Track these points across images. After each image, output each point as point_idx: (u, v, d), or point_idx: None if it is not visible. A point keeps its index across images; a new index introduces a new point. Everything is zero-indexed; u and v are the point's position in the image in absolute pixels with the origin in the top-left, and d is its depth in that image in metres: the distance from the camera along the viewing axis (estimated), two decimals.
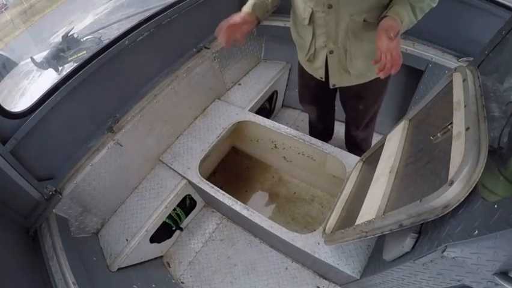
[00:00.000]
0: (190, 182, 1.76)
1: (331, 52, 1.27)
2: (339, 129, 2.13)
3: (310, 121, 2.06)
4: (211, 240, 1.93)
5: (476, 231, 0.59)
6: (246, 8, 1.22)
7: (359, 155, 1.59)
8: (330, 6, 1.12)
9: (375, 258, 1.24)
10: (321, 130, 2.06)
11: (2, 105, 1.15)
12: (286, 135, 1.84)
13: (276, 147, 2.05)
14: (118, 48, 1.45)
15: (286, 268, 1.73)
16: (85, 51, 6.60)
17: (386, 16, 1.02)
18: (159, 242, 1.79)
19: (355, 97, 1.52)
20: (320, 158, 1.82)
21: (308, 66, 1.44)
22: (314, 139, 1.78)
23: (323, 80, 1.41)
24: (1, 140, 1.16)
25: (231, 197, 1.60)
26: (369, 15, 1.12)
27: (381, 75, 0.98)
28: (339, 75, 1.35)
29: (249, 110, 2.05)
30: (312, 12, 1.17)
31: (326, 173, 1.87)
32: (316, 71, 1.40)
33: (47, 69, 6.81)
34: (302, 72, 1.54)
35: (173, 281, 1.77)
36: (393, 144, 1.17)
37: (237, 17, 1.18)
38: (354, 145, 1.93)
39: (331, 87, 1.41)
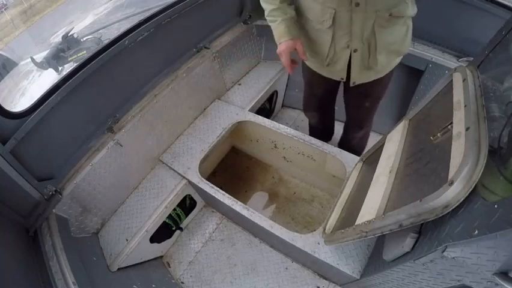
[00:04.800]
0: (190, 182, 1.76)
1: (355, 51, 1.24)
2: (339, 129, 2.13)
3: (311, 124, 2.06)
4: (211, 240, 1.93)
5: (476, 231, 0.59)
6: (284, 38, 1.24)
7: (356, 154, 1.61)
8: (357, 4, 1.08)
9: (375, 258, 1.24)
10: (322, 132, 2.07)
11: (2, 105, 1.15)
12: (286, 135, 1.84)
13: (276, 147, 2.05)
14: (118, 48, 1.44)
15: (286, 268, 1.73)
16: (85, 51, 6.61)
17: None
18: (159, 242, 1.79)
19: (362, 95, 1.51)
20: (320, 158, 1.82)
21: (328, 71, 1.40)
22: (314, 139, 1.78)
23: (344, 80, 1.38)
24: (1, 140, 1.16)
25: (231, 197, 1.60)
26: (396, 10, 1.11)
27: None
28: (359, 73, 1.33)
29: (249, 110, 2.05)
30: (335, 12, 1.14)
31: (326, 173, 1.87)
32: (338, 73, 1.37)
33: (47, 69, 6.83)
34: (310, 81, 1.52)
35: (173, 281, 1.77)
36: (393, 144, 1.17)
37: (287, 51, 1.25)
38: (350, 146, 1.92)
39: (351, 85, 1.38)
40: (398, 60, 1.35)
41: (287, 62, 1.27)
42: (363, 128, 1.77)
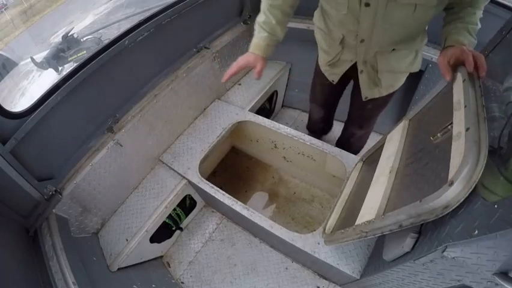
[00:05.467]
0: (190, 182, 1.76)
1: (361, 72, 1.30)
2: (339, 129, 2.13)
3: (312, 119, 2.07)
4: (211, 240, 1.93)
5: (476, 231, 0.59)
6: (259, 51, 1.21)
7: (352, 153, 1.64)
8: (362, 41, 1.14)
9: (375, 258, 1.24)
10: (321, 128, 2.10)
11: (2, 105, 1.15)
12: (286, 135, 1.84)
13: (276, 147, 2.05)
14: (118, 48, 1.44)
15: (286, 268, 1.73)
16: (85, 51, 6.62)
17: (449, 46, 0.98)
18: (159, 242, 1.79)
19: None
20: (320, 158, 1.82)
21: (326, 70, 1.46)
22: (314, 139, 1.78)
23: (334, 83, 1.47)
24: (1, 140, 1.16)
25: (231, 197, 1.60)
26: (399, 46, 1.15)
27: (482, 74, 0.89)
28: (369, 89, 1.38)
29: (249, 110, 2.05)
30: (343, 37, 1.20)
31: (326, 173, 1.87)
32: (331, 76, 1.45)
33: (47, 69, 6.83)
34: (319, 72, 1.55)
35: (173, 281, 1.77)
36: (393, 144, 1.17)
37: (250, 61, 1.20)
38: (348, 143, 1.94)
39: (363, 99, 1.44)
40: (406, 75, 1.37)
41: (234, 70, 1.20)
42: (362, 128, 1.78)
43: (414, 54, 1.24)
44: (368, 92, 1.41)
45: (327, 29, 1.27)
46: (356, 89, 1.48)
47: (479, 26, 1.01)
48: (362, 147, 2.01)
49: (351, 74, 1.36)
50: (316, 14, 1.34)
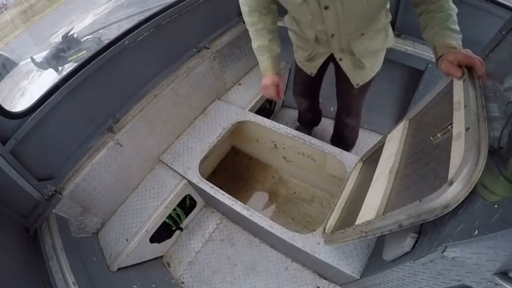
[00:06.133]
0: (190, 182, 1.76)
1: (341, 60, 1.39)
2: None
3: (300, 111, 2.17)
4: (211, 240, 1.93)
5: (476, 231, 0.59)
6: (270, 72, 1.41)
7: (345, 149, 1.71)
8: (332, 35, 1.24)
9: (375, 258, 1.24)
10: (310, 119, 2.21)
11: (2, 105, 1.15)
12: (286, 135, 1.84)
13: (276, 147, 2.05)
14: (118, 48, 1.44)
15: (286, 268, 1.73)
16: (85, 51, 6.61)
17: (442, 55, 0.96)
18: (159, 242, 1.79)
19: (348, 83, 1.57)
20: (320, 158, 1.82)
21: (304, 64, 1.57)
22: (314, 139, 1.78)
23: (313, 75, 1.59)
24: (1, 140, 1.16)
25: (231, 197, 1.60)
26: (366, 30, 1.25)
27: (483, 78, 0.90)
28: (356, 74, 1.45)
29: (249, 110, 2.05)
30: (316, 36, 1.31)
31: (326, 173, 1.87)
32: (310, 69, 1.56)
33: (47, 69, 6.83)
34: (298, 66, 1.66)
35: (173, 281, 1.77)
36: (393, 144, 1.17)
37: (274, 80, 1.41)
38: (342, 136, 2.01)
39: (355, 87, 1.51)
40: (383, 52, 1.44)
41: (275, 93, 1.42)
42: (351, 115, 1.84)
43: (384, 31, 1.33)
44: (357, 78, 1.47)
45: (300, 30, 1.36)
46: (339, 78, 1.56)
47: (455, 8, 1.02)
48: (355, 139, 2.08)
49: (328, 64, 1.48)
50: (287, 18, 1.42)
